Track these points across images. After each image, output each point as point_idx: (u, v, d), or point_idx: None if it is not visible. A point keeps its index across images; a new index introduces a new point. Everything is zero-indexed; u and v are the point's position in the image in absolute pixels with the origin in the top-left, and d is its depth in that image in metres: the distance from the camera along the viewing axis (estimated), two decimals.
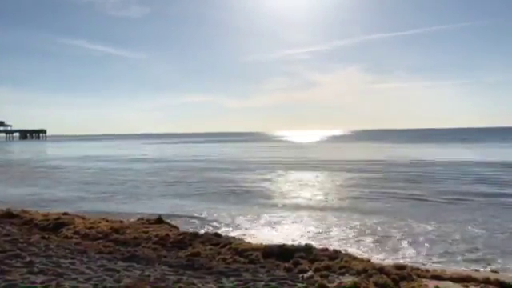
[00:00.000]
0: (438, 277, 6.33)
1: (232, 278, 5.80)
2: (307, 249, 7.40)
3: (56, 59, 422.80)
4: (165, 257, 7.11)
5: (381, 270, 6.29)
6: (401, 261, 7.43)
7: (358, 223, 10.76)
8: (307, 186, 18.25)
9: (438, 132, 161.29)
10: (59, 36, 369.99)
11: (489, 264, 7.43)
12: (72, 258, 6.60)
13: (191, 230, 9.72)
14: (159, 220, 10.25)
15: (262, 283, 5.58)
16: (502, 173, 21.79)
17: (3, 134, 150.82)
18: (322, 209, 12.97)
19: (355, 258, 7.13)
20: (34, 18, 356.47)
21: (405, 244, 8.85)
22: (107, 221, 10.33)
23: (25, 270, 5.69)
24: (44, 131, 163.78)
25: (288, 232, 10.07)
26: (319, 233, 9.95)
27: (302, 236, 9.58)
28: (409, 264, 6.93)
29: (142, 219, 10.55)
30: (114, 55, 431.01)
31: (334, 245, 8.50)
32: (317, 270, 6.42)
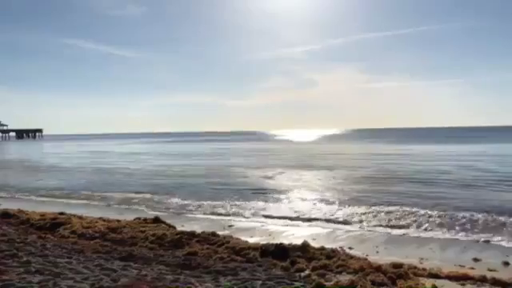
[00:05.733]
0: (434, 275, 6.36)
1: (229, 277, 5.80)
2: (304, 248, 7.42)
3: (53, 59, 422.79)
4: (162, 256, 7.10)
5: (378, 268, 6.31)
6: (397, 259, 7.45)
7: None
8: None
9: (433, 131, 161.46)
10: (56, 36, 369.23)
11: None
12: (69, 258, 6.57)
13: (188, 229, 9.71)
14: (156, 219, 10.24)
15: (260, 282, 5.58)
16: None
17: None
18: None
19: (352, 257, 7.16)
20: (31, 18, 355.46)
21: None
22: (104, 220, 10.32)
23: (22, 269, 5.66)
24: (40, 131, 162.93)
25: None
26: None
27: None
28: (406, 262, 6.94)
29: (139, 219, 10.53)
30: (112, 55, 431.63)
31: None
32: (314, 269, 6.44)
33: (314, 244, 7.90)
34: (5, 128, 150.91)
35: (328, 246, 7.94)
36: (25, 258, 6.27)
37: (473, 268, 6.92)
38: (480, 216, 11.07)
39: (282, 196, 15.31)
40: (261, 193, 16.07)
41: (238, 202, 14.10)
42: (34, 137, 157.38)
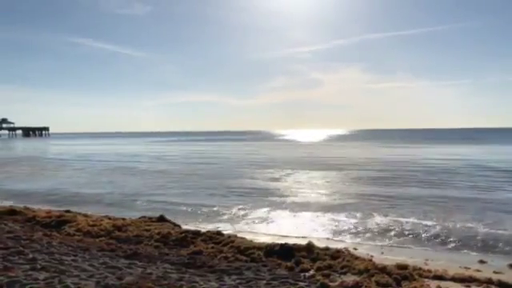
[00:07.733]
0: (440, 277, 6.32)
1: (234, 277, 5.80)
2: (309, 248, 7.40)
3: (61, 58, 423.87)
4: (167, 255, 7.12)
5: (382, 269, 6.28)
6: (401, 258, 7.41)
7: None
8: None
9: (437, 132, 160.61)
10: (65, 35, 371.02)
11: None
12: (74, 256, 6.61)
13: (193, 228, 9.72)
14: (161, 218, 10.27)
15: (264, 282, 5.58)
16: None
17: (6, 131, 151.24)
18: None
19: (357, 258, 7.13)
20: (38, 17, 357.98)
21: None
22: (109, 218, 10.36)
23: (27, 266, 5.70)
24: (47, 128, 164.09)
25: None
26: None
27: None
28: (411, 263, 6.90)
29: (144, 217, 10.57)
30: (119, 53, 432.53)
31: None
32: (318, 269, 6.43)
33: (319, 244, 7.88)
34: (11, 126, 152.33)
35: (333, 246, 7.92)
36: (31, 255, 6.32)
37: (478, 270, 6.86)
38: (488, 222, 10.91)
39: (288, 198, 15.28)
40: (268, 195, 16.01)
41: (243, 203, 14.09)
42: (41, 135, 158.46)
